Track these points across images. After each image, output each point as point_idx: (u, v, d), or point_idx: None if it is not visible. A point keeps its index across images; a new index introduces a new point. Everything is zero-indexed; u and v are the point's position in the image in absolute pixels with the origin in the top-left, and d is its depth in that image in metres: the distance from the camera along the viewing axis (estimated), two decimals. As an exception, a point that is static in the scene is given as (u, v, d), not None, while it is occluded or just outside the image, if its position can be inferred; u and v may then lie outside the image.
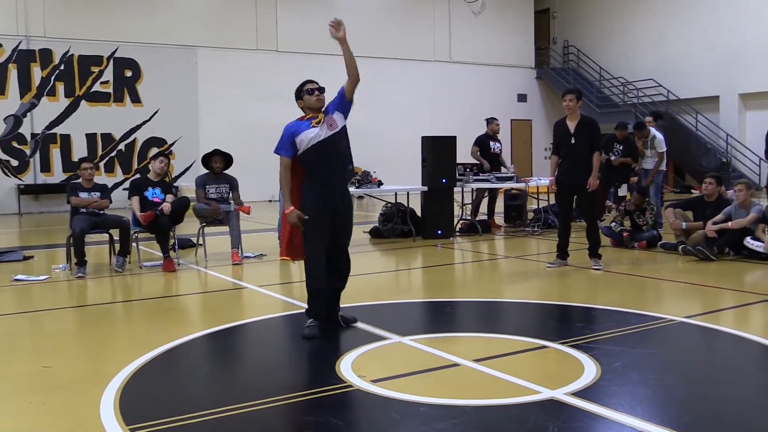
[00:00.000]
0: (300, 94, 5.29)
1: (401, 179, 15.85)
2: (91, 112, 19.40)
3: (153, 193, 8.61)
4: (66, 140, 19.18)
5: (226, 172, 9.26)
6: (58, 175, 19.04)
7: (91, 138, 19.42)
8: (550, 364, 4.46)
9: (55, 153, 19.12)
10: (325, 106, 5.28)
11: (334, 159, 5.18)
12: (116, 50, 19.64)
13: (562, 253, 8.22)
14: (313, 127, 5.15)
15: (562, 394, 3.78)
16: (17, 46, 18.57)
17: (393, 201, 11.55)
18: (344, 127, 5.30)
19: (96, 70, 19.51)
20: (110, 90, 19.69)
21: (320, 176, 5.17)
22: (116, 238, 8.47)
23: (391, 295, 6.96)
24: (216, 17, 20.96)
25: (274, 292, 7.09)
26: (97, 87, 19.54)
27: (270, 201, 19.75)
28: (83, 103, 19.38)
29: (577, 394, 3.78)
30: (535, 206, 12.91)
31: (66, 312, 6.61)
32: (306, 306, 5.35)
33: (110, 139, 19.69)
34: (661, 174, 11.84)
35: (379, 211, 12.01)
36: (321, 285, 5.20)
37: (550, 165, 8.42)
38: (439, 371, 4.30)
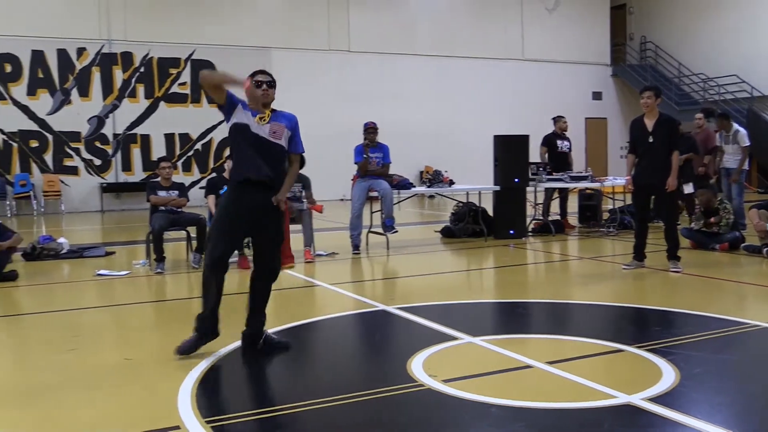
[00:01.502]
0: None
1: (473, 178, 15.73)
2: (170, 113, 19.99)
3: (212, 192, 8.77)
4: (146, 140, 19.83)
5: (299, 171, 9.37)
6: (138, 174, 19.71)
7: (169, 138, 20.01)
8: (626, 369, 4.36)
9: (136, 152, 19.79)
10: (277, 113, 4.87)
11: (264, 156, 4.69)
12: (193, 52, 20.17)
13: (639, 254, 8.02)
14: (256, 122, 4.74)
15: (639, 399, 3.68)
16: (100, 49, 19.29)
17: (464, 200, 11.49)
18: (284, 150, 4.84)
19: (174, 72, 20.09)
20: (188, 91, 20.24)
21: (243, 169, 4.71)
22: (193, 235, 8.70)
23: (462, 294, 6.93)
24: (289, 18, 21.29)
25: (345, 290, 7.15)
26: (175, 88, 20.12)
27: (342, 200, 19.93)
28: (162, 104, 19.99)
29: (655, 399, 3.68)
30: (611, 206, 12.63)
31: (145, 306, 6.83)
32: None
33: (187, 139, 20.24)
34: (744, 173, 11.40)
35: (450, 210, 11.97)
36: (212, 295, 4.69)
37: (626, 164, 8.22)
38: (510, 372, 4.26)
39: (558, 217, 12.16)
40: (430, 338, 5.05)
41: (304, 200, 9.27)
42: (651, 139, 7.72)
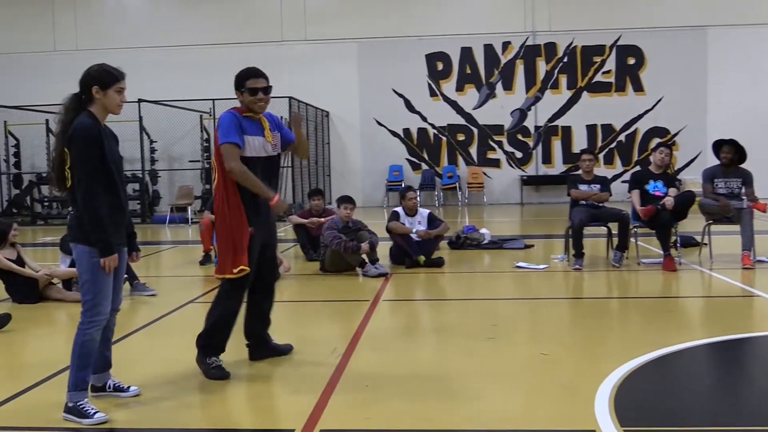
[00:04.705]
0: (240, 85, 4.55)
1: None
2: (592, 103, 20.07)
3: (654, 187, 8.51)
4: (567, 132, 20.22)
5: (740, 165, 8.65)
6: (558, 167, 20.22)
7: (591, 129, 20.11)
8: None
9: (556, 145, 20.32)
10: (265, 115, 4.64)
11: (273, 180, 4.68)
12: (619, 38, 19.92)
13: None
14: (264, 138, 4.57)
15: None
16: (524, 42, 20.21)
17: None
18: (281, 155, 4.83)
19: (598, 60, 20.10)
20: (612, 80, 20.09)
21: (252, 197, 4.52)
22: (614, 232, 8.62)
23: None
24: (731, -9, 19.71)
25: (793, 303, 6.39)
26: (598, 77, 20.13)
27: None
28: (584, 94, 20.17)
29: None
30: None
31: (562, 302, 6.98)
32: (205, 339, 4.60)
33: (610, 130, 20.11)
34: None
35: None
36: (235, 314, 4.60)
37: None
38: None
39: None
40: None
41: (744, 197, 8.53)
42: None
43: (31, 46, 20.63)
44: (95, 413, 3.73)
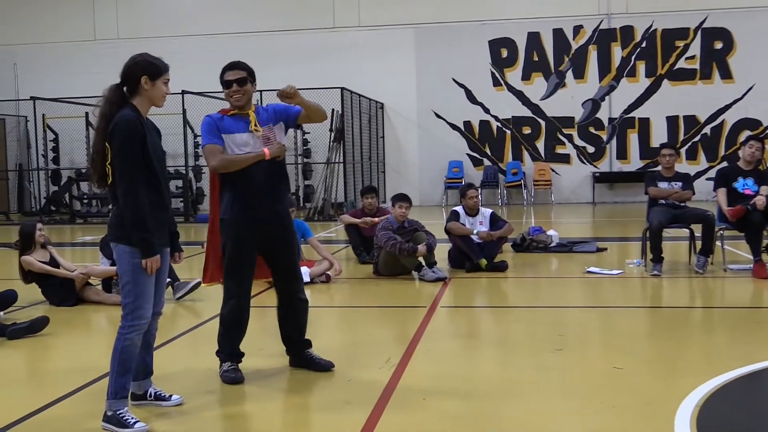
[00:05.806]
0: (220, 80, 4.71)
1: None
2: (674, 92, 19.70)
3: (744, 185, 8.33)
4: (644, 124, 19.89)
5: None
6: (634, 163, 19.91)
7: (672, 121, 19.74)
8: None
9: (633, 138, 20.00)
10: (258, 108, 4.75)
11: (264, 176, 4.64)
12: (705, 20, 19.50)
13: None
14: (250, 132, 4.63)
15: None
16: (598, 26, 19.94)
17: None
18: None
19: (681, 44, 19.72)
20: (696, 66, 19.68)
21: (246, 192, 4.63)
22: (698, 234, 8.46)
23: None
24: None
25: None
26: (681, 63, 19.74)
27: None
28: (665, 82, 19.81)
29: None
30: None
31: (638, 311, 6.87)
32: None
33: (694, 122, 19.71)
34: None
35: None
36: (238, 318, 4.75)
37: None
38: None
39: None
40: None
41: None
42: None
43: (71, 35, 21.21)
44: (135, 422, 3.81)
